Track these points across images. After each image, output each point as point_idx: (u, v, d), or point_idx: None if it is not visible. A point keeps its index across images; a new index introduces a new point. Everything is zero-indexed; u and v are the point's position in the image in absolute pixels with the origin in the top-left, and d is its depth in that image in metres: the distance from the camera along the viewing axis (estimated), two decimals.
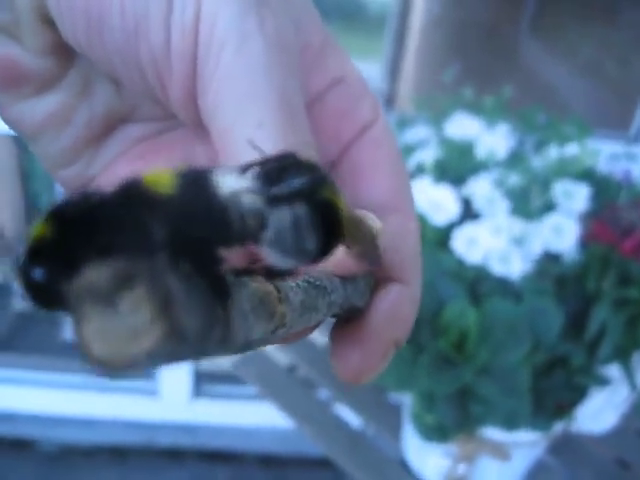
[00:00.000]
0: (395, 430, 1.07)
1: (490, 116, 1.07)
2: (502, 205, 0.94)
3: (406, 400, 0.95)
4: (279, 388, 1.19)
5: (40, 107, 0.24)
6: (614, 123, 1.49)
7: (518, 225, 0.93)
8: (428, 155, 1.00)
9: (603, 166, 1.15)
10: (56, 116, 0.24)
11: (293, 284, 0.19)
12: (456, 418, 0.84)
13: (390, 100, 1.45)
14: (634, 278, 0.94)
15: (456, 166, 0.99)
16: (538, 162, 1.02)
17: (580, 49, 1.47)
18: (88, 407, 1.79)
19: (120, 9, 0.20)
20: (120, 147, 0.26)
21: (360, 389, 1.11)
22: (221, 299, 0.15)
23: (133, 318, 0.12)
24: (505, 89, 1.14)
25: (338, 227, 0.17)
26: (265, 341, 0.18)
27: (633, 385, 0.96)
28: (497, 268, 0.91)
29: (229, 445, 1.82)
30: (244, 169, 0.17)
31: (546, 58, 1.49)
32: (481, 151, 1.01)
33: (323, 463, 1.66)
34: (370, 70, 1.45)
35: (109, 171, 0.25)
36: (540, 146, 1.07)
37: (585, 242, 0.97)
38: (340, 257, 0.19)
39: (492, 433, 0.87)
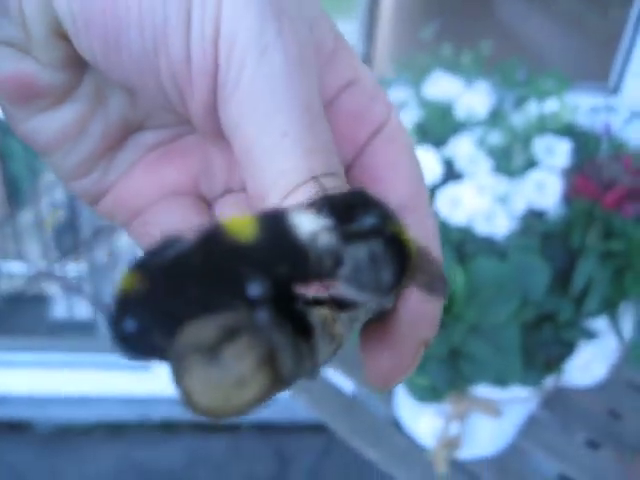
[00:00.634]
0: (387, 392, 1.07)
1: (469, 74, 1.06)
2: (484, 164, 0.94)
3: None
4: None
5: (55, 120, 0.24)
6: (593, 74, 1.48)
7: (501, 184, 0.93)
8: (408, 117, 0.99)
9: (583, 120, 1.15)
10: (71, 128, 0.24)
11: None
12: (447, 378, 0.85)
13: (367, 61, 1.43)
14: (618, 231, 0.94)
15: (437, 127, 0.99)
16: (518, 119, 1.01)
17: (558, 0, 1.45)
18: (81, 385, 1.79)
19: (138, 26, 0.20)
20: (134, 155, 0.25)
21: (351, 353, 1.12)
22: (305, 334, 0.16)
23: (238, 368, 0.13)
24: (483, 45, 1.13)
25: (409, 260, 0.18)
26: (327, 362, 0.19)
27: (620, 336, 0.97)
28: (482, 228, 0.91)
29: None
30: (312, 205, 0.18)
31: (524, 11, 1.48)
32: (461, 111, 1.00)
33: (318, 429, 1.68)
34: (345, 30, 1.43)
35: (125, 181, 0.25)
36: (520, 102, 1.07)
37: (568, 198, 0.97)
38: None
39: (483, 391, 0.88)
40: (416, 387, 0.87)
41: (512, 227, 0.92)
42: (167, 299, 0.15)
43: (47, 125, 0.23)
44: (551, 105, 1.02)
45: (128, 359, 0.16)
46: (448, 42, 1.13)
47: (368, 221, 0.17)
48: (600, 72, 1.46)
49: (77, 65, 0.23)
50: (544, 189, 0.93)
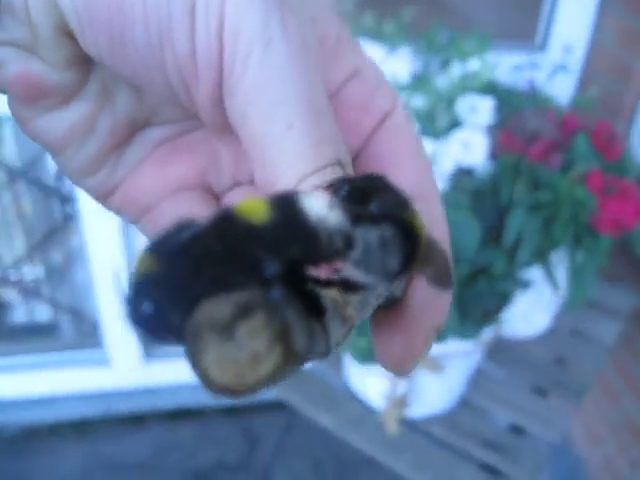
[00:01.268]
0: (337, 360, 1.09)
1: (392, 41, 1.08)
2: None
3: None
4: None
5: (63, 119, 0.24)
6: (520, 33, 1.51)
7: (428, 145, 0.95)
8: None
9: (508, 77, 1.17)
10: (79, 126, 0.24)
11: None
12: None
13: None
14: (544, 183, 0.97)
15: None
16: (442, 81, 1.03)
17: None
18: (43, 386, 1.78)
19: (143, 20, 0.20)
20: (142, 151, 0.26)
21: None
22: (318, 315, 0.17)
23: (252, 345, 0.13)
24: (405, 12, 1.14)
25: (417, 249, 0.18)
26: (340, 344, 0.19)
27: (555, 285, 1.00)
28: None
29: (189, 402, 1.83)
30: (329, 188, 0.18)
31: None
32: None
33: (279, 405, 1.70)
34: None
35: (134, 177, 0.25)
36: (444, 65, 1.08)
37: (495, 154, 0.99)
38: None
39: None
40: (358, 349, 0.89)
41: (441, 186, 0.94)
42: (182, 280, 0.15)
43: (55, 124, 0.24)
44: (473, 65, 1.04)
45: (145, 340, 0.16)
46: (370, 11, 1.14)
47: (381, 206, 0.17)
48: (526, 31, 1.49)
49: (84, 64, 0.23)
50: (470, 147, 0.95)
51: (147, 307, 0.15)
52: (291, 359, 0.14)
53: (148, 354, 1.78)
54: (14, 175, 1.83)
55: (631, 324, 1.35)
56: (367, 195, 0.18)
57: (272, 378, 0.13)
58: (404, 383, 0.95)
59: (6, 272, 1.89)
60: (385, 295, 0.22)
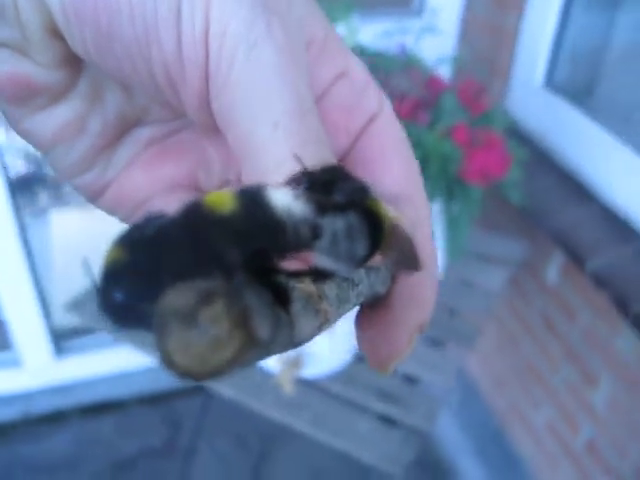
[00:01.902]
0: None
1: None
2: None
3: None
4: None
5: (53, 119, 0.23)
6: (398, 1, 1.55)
7: None
8: None
9: (381, 42, 1.20)
10: (70, 126, 0.24)
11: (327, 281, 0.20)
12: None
13: None
14: (414, 139, 1.00)
15: None
16: None
17: None
18: None
19: (129, 17, 0.20)
20: (132, 150, 0.26)
21: None
22: (284, 305, 0.17)
23: (214, 331, 0.13)
24: None
25: (382, 234, 0.19)
26: (312, 336, 0.19)
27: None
28: None
29: (106, 395, 1.82)
30: (291, 182, 0.18)
31: None
32: None
33: (195, 389, 1.71)
34: None
35: (125, 176, 0.25)
36: None
37: None
38: None
39: None
40: None
41: None
42: (149, 269, 0.15)
43: (46, 124, 0.23)
44: (339, 30, 1.06)
45: (117, 329, 0.16)
46: None
47: (344, 194, 0.18)
48: None
49: (73, 64, 0.23)
50: None
51: (116, 296, 0.16)
52: (252, 345, 0.14)
53: (59, 350, 1.76)
54: None
55: (522, 271, 1.42)
56: (329, 185, 0.18)
57: (233, 362, 0.14)
58: None
59: None
60: (369, 293, 0.22)
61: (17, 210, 1.49)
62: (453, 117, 1.03)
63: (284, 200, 0.16)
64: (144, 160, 0.26)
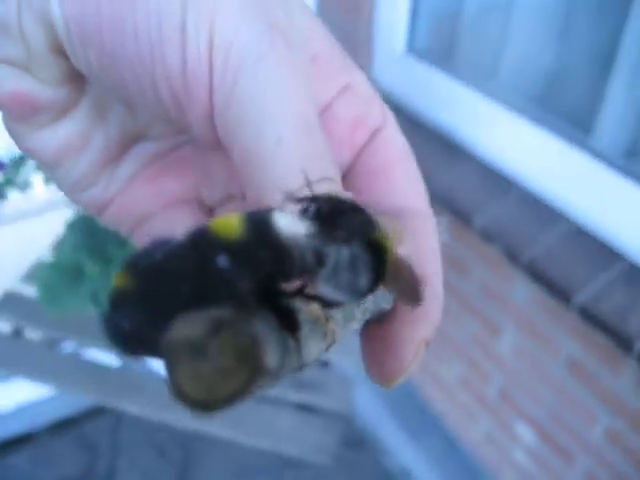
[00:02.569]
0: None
1: None
2: None
3: None
4: (15, 357, 1.13)
5: (57, 135, 0.24)
6: None
7: None
8: None
9: None
10: (73, 142, 0.24)
11: None
12: None
13: None
14: None
15: None
16: None
17: None
18: None
19: (134, 36, 0.20)
20: (136, 166, 0.26)
21: (91, 322, 1.09)
22: (291, 331, 0.17)
23: (222, 362, 0.13)
24: None
25: (386, 268, 0.18)
26: (319, 357, 0.20)
27: None
28: None
29: (15, 429, 1.73)
30: (298, 205, 0.18)
31: None
32: None
33: (99, 411, 1.67)
34: None
35: (128, 191, 0.26)
36: None
37: None
38: None
39: None
40: None
41: None
42: (157, 297, 0.15)
43: (49, 141, 0.24)
44: None
45: (122, 355, 0.16)
46: None
47: (352, 225, 0.18)
48: None
49: (76, 81, 0.23)
50: None
51: (123, 323, 0.16)
52: (261, 374, 0.14)
53: None
54: None
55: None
56: (338, 214, 0.18)
57: (243, 392, 0.14)
58: None
59: None
60: (374, 309, 0.23)
61: None
62: None
63: (291, 226, 0.16)
64: (147, 175, 0.26)
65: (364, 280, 0.18)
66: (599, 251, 1.08)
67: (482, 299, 1.33)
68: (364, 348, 0.24)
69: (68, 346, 1.20)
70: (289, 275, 0.17)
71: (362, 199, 0.20)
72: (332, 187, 0.20)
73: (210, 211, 0.26)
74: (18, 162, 0.97)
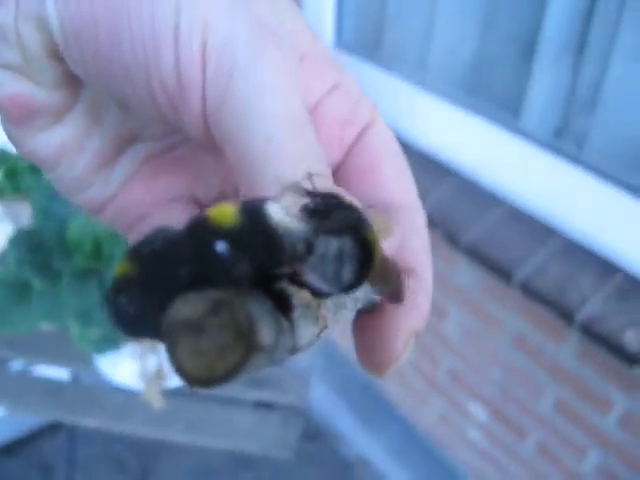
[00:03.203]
0: (87, 361, 1.06)
1: None
2: None
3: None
4: None
5: (54, 138, 0.24)
6: None
7: None
8: None
9: None
10: (70, 144, 0.24)
11: None
12: None
13: None
14: None
15: None
16: None
17: None
18: None
19: (129, 39, 0.20)
20: (132, 166, 0.26)
21: (39, 338, 1.07)
22: (285, 313, 0.18)
23: (220, 339, 0.14)
24: None
25: (371, 265, 0.19)
26: (312, 342, 0.20)
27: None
28: None
29: None
30: (292, 199, 0.19)
31: None
32: None
33: (56, 426, 1.63)
34: None
35: (125, 191, 0.26)
36: None
37: None
38: None
39: None
40: (92, 343, 0.86)
41: None
42: (158, 280, 0.16)
43: (47, 143, 0.24)
44: None
45: (127, 337, 0.15)
46: None
47: (344, 220, 0.18)
48: None
49: (72, 84, 0.23)
50: None
51: (126, 306, 0.16)
52: (257, 351, 0.15)
53: None
54: None
55: None
56: (331, 208, 0.19)
57: (240, 368, 0.14)
58: (153, 357, 0.94)
59: None
60: (365, 299, 0.23)
61: None
62: None
63: (282, 216, 0.17)
64: (143, 175, 0.26)
65: (348, 273, 0.19)
66: (535, 229, 1.12)
67: None
68: (356, 338, 0.24)
69: (16, 364, 1.17)
70: (281, 261, 0.17)
71: (353, 195, 0.21)
72: (323, 182, 0.21)
73: (204, 209, 0.27)
74: None
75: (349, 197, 0.20)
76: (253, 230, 0.17)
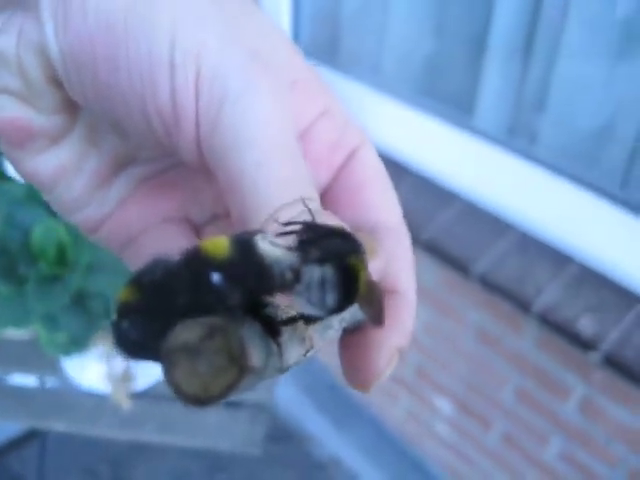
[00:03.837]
0: (54, 366, 1.06)
1: None
2: None
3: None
4: None
5: (52, 160, 0.25)
6: None
7: None
8: None
9: None
10: (67, 167, 0.25)
11: None
12: (83, 323, 0.86)
13: None
14: None
15: None
16: None
17: None
18: None
19: (126, 69, 0.21)
20: (127, 187, 0.27)
21: (4, 346, 1.08)
22: (274, 336, 0.20)
23: (215, 362, 0.15)
24: None
25: (355, 290, 0.20)
26: (299, 361, 0.22)
27: None
28: None
29: None
30: (282, 229, 0.20)
31: None
32: None
33: (27, 437, 1.62)
34: None
35: (120, 212, 0.27)
36: None
37: None
38: None
39: None
40: (59, 346, 0.87)
41: None
42: (158, 308, 0.17)
43: (45, 165, 0.25)
44: None
45: (129, 359, 0.18)
46: None
47: (327, 249, 0.20)
48: None
49: (71, 109, 0.24)
50: None
51: (128, 332, 0.18)
52: (248, 373, 0.16)
53: None
54: None
55: None
56: (318, 237, 0.20)
57: (232, 388, 0.16)
58: (120, 359, 0.95)
59: None
60: (351, 319, 0.24)
61: None
62: None
63: (271, 248, 0.19)
64: (138, 196, 0.27)
65: (331, 299, 0.20)
66: (491, 224, 1.15)
67: None
68: (342, 355, 0.25)
69: None
70: (271, 289, 0.19)
71: (340, 216, 0.23)
72: (311, 206, 0.22)
73: (197, 230, 0.28)
74: None
75: (337, 222, 0.22)
76: (244, 261, 0.18)
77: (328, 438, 1.77)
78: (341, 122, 0.27)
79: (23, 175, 0.26)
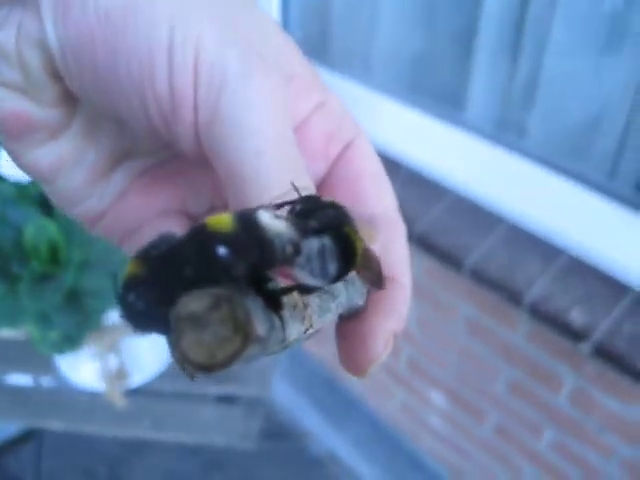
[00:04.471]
0: (48, 366, 1.07)
1: None
2: None
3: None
4: None
5: (52, 153, 0.25)
6: None
7: None
8: None
9: None
10: (67, 160, 0.25)
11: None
12: (77, 321, 0.86)
13: None
14: None
15: None
16: None
17: None
18: None
19: (125, 60, 0.21)
20: (125, 181, 0.27)
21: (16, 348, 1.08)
22: (276, 310, 0.20)
23: (221, 331, 0.16)
24: None
25: (354, 256, 0.21)
26: (299, 340, 0.23)
27: None
28: None
29: None
30: (282, 206, 0.21)
31: None
32: None
33: (24, 438, 1.62)
34: None
35: (119, 205, 0.27)
36: None
37: None
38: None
39: (114, 316, 0.91)
40: (53, 345, 0.88)
41: None
42: (164, 280, 0.18)
43: (44, 158, 0.25)
44: None
45: (136, 331, 0.19)
46: None
47: (323, 221, 0.21)
48: None
49: (70, 102, 0.24)
50: None
51: (136, 304, 0.18)
52: (253, 342, 0.17)
53: None
54: None
55: None
56: (314, 211, 0.21)
57: (237, 357, 0.16)
58: (114, 357, 0.96)
59: None
60: (348, 305, 0.25)
61: None
62: None
63: (273, 223, 0.19)
64: (136, 189, 0.27)
65: (332, 268, 0.21)
66: (481, 217, 1.16)
67: None
68: (339, 341, 0.26)
69: None
70: (272, 263, 0.19)
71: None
72: (308, 192, 0.23)
73: (195, 222, 0.28)
74: None
75: (329, 197, 0.23)
76: (248, 235, 0.18)
77: (324, 434, 1.78)
78: (337, 114, 0.28)
79: (22, 168, 0.26)
